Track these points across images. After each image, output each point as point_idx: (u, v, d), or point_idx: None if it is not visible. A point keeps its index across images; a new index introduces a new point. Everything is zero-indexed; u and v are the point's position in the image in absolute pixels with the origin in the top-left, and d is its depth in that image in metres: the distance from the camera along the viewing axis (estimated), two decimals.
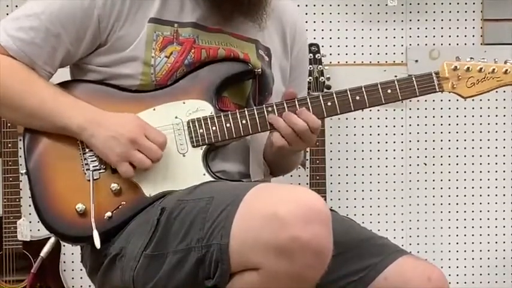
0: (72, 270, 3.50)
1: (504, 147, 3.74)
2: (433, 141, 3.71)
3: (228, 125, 1.92)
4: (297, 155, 2.16)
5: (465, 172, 3.73)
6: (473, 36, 3.68)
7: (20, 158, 3.20)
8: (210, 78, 1.95)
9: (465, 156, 3.73)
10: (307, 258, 1.59)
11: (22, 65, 1.91)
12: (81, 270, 3.39)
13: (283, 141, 1.92)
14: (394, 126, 3.69)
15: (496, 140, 3.73)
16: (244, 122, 1.92)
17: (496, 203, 3.75)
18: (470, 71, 1.96)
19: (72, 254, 3.40)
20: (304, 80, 2.21)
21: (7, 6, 3.45)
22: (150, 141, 1.85)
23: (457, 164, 3.72)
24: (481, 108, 3.70)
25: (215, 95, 1.94)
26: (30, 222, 3.20)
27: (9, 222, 3.24)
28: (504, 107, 3.71)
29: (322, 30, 3.62)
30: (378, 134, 3.68)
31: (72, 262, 3.47)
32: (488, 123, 3.72)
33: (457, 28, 3.67)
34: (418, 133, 3.70)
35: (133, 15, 1.93)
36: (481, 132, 3.73)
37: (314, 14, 3.61)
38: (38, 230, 3.15)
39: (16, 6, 3.42)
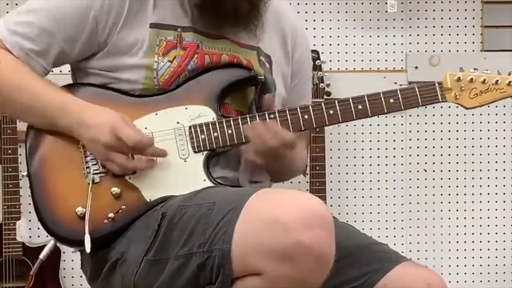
0: (72, 276, 3.50)
1: (504, 154, 3.74)
2: (433, 148, 3.71)
3: (229, 131, 1.92)
4: (294, 163, 2.12)
5: (465, 179, 3.73)
6: (473, 42, 3.68)
7: (20, 164, 3.20)
8: (212, 84, 1.95)
9: (465, 163, 3.73)
10: (310, 263, 1.59)
11: (18, 60, 1.93)
12: (81, 276, 3.39)
13: (253, 156, 1.92)
14: (394, 133, 3.69)
15: (496, 146, 3.73)
16: None
17: (497, 209, 3.75)
18: (474, 82, 1.95)
19: (72, 260, 3.39)
20: (307, 86, 2.21)
21: (7, 4, 3.45)
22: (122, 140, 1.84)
23: (457, 171, 3.72)
24: (481, 115, 3.70)
25: (217, 101, 1.94)
26: (30, 229, 3.20)
27: (9, 228, 3.23)
28: (504, 114, 3.71)
29: (322, 36, 3.62)
30: (378, 141, 3.68)
31: (72, 269, 3.46)
32: (488, 130, 3.72)
33: (457, 35, 3.68)
34: (418, 140, 3.70)
35: (133, 18, 1.94)
36: (481, 139, 3.73)
37: (314, 20, 3.61)
38: (38, 236, 3.15)
39: (16, 4, 3.43)
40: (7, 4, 3.45)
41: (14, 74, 1.92)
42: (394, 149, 3.69)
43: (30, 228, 3.19)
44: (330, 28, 3.63)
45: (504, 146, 3.74)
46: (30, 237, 3.24)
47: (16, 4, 3.44)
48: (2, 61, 1.92)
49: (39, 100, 1.91)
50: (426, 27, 3.67)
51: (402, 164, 3.70)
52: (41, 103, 1.91)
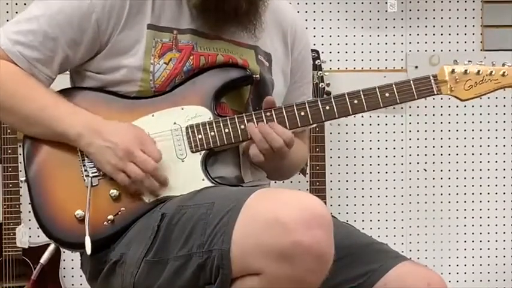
0: (72, 276, 3.50)
1: (504, 154, 3.74)
2: (433, 147, 3.71)
3: (226, 130, 1.92)
4: (295, 161, 2.13)
5: (465, 178, 3.73)
6: (473, 42, 3.68)
7: (20, 164, 3.20)
8: (208, 84, 1.95)
9: (465, 162, 3.73)
10: (309, 262, 1.59)
11: (22, 70, 1.92)
12: (81, 276, 3.39)
13: (261, 157, 1.92)
14: (394, 132, 3.69)
15: (496, 146, 3.73)
16: (242, 127, 1.92)
17: (497, 209, 3.75)
18: (468, 73, 1.96)
19: (72, 260, 3.40)
20: (307, 83, 2.20)
21: (7, 3, 3.45)
22: (145, 154, 1.85)
23: (457, 170, 3.72)
24: (481, 114, 3.70)
25: (214, 101, 1.94)
26: (29, 228, 3.20)
27: (9, 228, 3.23)
28: (504, 113, 3.71)
29: (322, 36, 3.63)
30: (378, 140, 3.68)
31: (72, 268, 3.46)
32: (488, 129, 3.72)
33: (457, 34, 3.68)
34: (418, 139, 3.70)
35: (132, 19, 1.93)
36: (481, 138, 3.73)
37: (314, 20, 3.62)
38: (38, 236, 3.15)
39: (16, 4, 3.43)
40: (7, 4, 3.45)
41: (17, 85, 1.90)
42: (394, 148, 3.69)
43: (30, 228, 3.19)
44: (330, 28, 3.64)
45: (504, 145, 3.74)
46: (31, 240, 3.24)
47: (16, 4, 3.44)
48: (5, 72, 1.91)
49: (47, 110, 1.89)
50: (426, 27, 3.67)
51: (402, 164, 3.70)
52: (49, 113, 1.89)
